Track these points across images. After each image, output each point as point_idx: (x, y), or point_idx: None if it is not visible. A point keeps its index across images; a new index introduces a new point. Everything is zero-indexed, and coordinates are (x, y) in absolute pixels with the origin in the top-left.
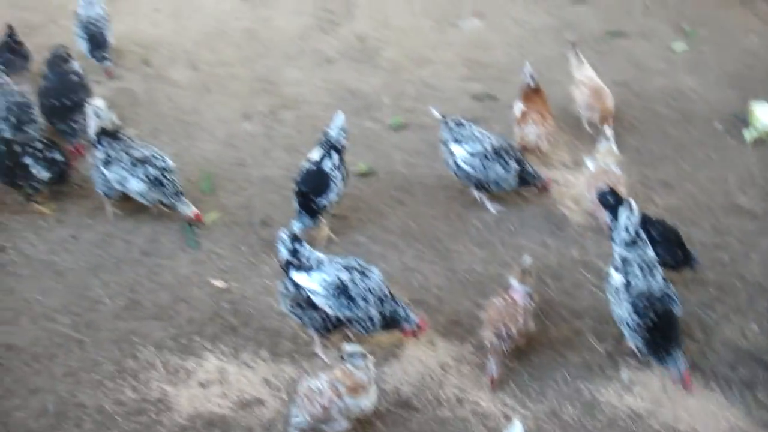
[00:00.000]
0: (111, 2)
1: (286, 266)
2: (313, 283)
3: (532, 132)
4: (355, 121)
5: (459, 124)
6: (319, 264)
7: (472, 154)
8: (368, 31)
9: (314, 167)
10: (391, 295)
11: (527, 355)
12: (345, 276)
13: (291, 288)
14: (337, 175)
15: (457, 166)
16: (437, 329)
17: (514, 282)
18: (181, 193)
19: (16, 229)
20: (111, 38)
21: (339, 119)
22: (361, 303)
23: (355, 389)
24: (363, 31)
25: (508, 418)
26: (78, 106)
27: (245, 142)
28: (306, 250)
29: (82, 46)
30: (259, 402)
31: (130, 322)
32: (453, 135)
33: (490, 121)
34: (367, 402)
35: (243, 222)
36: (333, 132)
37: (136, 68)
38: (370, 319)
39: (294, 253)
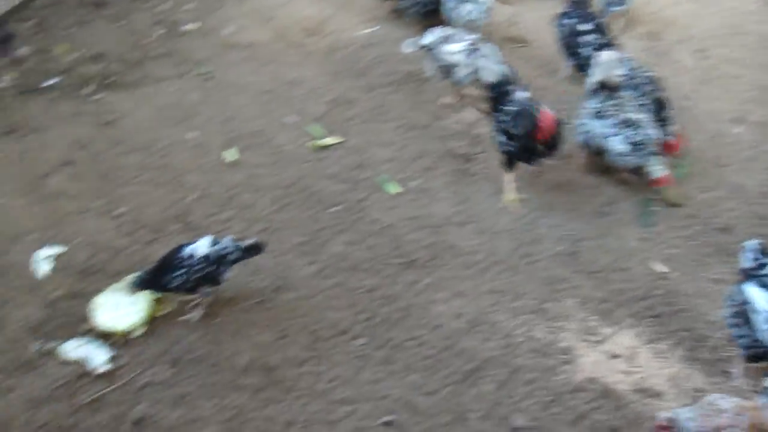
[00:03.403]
0: None
1: (744, 274)
2: (764, 302)
3: None
4: None
5: None
6: None
7: None
8: None
9: None
10: None
11: None
12: None
13: (738, 298)
14: None
15: None
16: None
17: None
18: (656, 154)
19: None
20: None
21: None
22: None
23: (757, 428)
24: None
25: None
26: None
27: (729, 145)
28: None
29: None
30: (659, 395)
31: (565, 270)
32: None
33: None
34: None
35: (702, 220)
36: None
37: (639, 38)
38: None
39: (761, 266)
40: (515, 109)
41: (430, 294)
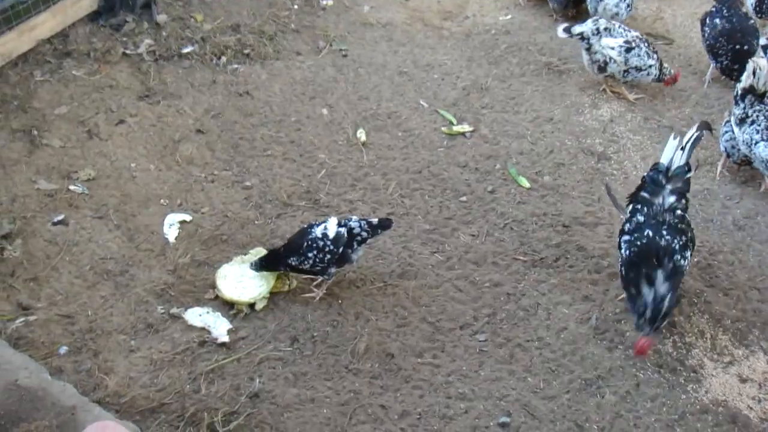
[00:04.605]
0: None
1: None
2: None
3: None
4: None
5: None
6: None
7: None
8: None
9: None
10: None
11: None
12: None
13: None
14: None
15: None
16: None
17: None
18: None
19: None
20: None
21: None
22: None
23: None
24: None
25: None
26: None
27: None
28: None
29: None
30: None
31: (698, 283)
32: None
33: None
34: None
35: None
36: None
37: None
38: None
39: None
40: None
41: (555, 295)
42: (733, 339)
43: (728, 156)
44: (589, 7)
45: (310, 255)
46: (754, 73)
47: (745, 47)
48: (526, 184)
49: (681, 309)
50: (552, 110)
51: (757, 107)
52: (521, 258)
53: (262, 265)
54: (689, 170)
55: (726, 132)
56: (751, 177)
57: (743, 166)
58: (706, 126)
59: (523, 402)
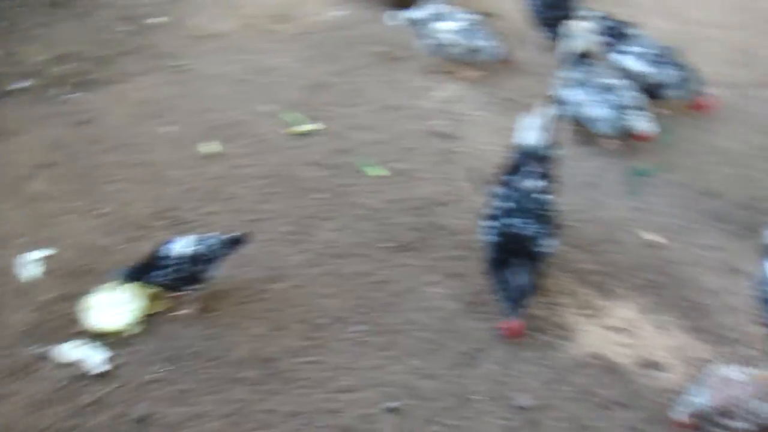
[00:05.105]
0: None
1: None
2: None
3: None
4: None
5: None
6: None
7: None
8: None
9: None
10: None
11: None
12: None
13: (761, 276)
14: None
15: None
16: None
17: None
18: (642, 110)
19: None
20: None
21: None
22: None
23: None
24: None
25: None
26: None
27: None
28: None
29: None
30: (662, 367)
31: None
32: None
33: None
34: None
35: (691, 186)
36: None
37: (611, 5)
38: None
39: None
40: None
41: (424, 276)
42: (597, 292)
43: (569, 119)
44: None
45: (162, 273)
46: (579, 36)
47: (569, 14)
48: (379, 172)
49: (546, 272)
50: (395, 98)
51: (587, 69)
52: (384, 245)
53: (128, 275)
54: (553, 150)
55: (561, 95)
56: (591, 138)
57: (579, 128)
58: (553, 99)
59: (407, 384)
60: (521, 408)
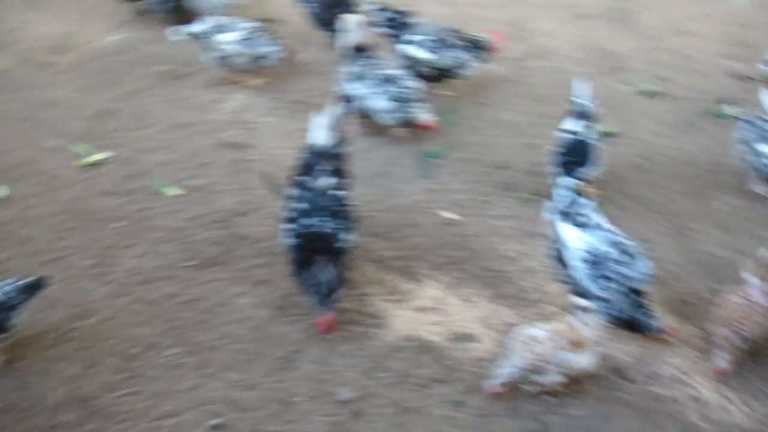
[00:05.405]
0: None
1: (559, 214)
2: (575, 240)
3: None
4: (603, 82)
5: (764, 121)
6: (593, 226)
7: None
8: None
9: (577, 138)
10: (644, 297)
11: (759, 353)
12: (609, 250)
13: (553, 236)
14: (599, 146)
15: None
16: (665, 305)
17: (751, 278)
18: (421, 101)
19: None
20: None
21: (583, 88)
22: (610, 284)
23: (576, 344)
24: None
25: (726, 411)
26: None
27: (492, 84)
28: (585, 207)
29: None
30: (472, 338)
31: (358, 237)
32: (760, 134)
33: (746, 104)
34: (584, 360)
35: (480, 160)
36: (585, 101)
37: None
38: (615, 306)
39: (572, 204)
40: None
41: (232, 288)
42: (402, 277)
43: (355, 112)
44: (191, 6)
45: None
46: (351, 30)
47: (347, 10)
48: (175, 192)
49: (351, 264)
50: (185, 115)
51: (365, 62)
52: (189, 264)
53: None
54: (343, 145)
55: (344, 90)
56: (379, 129)
57: (367, 120)
58: (343, 99)
59: (228, 399)
60: (344, 402)
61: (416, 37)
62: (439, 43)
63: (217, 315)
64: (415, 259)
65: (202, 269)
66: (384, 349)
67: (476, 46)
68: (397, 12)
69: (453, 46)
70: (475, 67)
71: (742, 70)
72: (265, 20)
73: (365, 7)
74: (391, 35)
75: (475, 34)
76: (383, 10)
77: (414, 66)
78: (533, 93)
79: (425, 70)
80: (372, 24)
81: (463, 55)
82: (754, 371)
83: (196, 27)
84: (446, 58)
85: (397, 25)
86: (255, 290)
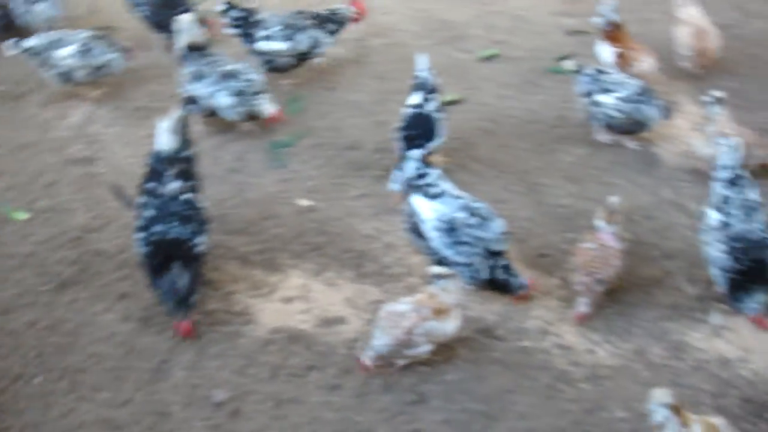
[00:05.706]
0: None
1: (409, 187)
2: (427, 211)
3: (646, 65)
4: (444, 52)
5: (601, 72)
6: (443, 195)
7: (624, 100)
8: None
9: (419, 111)
10: (502, 256)
11: (616, 293)
12: (461, 216)
13: (407, 210)
14: (441, 117)
15: (607, 115)
16: (524, 261)
17: (601, 224)
18: (264, 93)
19: None
20: None
21: (423, 61)
22: (467, 249)
23: (440, 312)
24: None
25: (592, 353)
26: None
27: (336, 67)
28: (433, 177)
29: None
30: (342, 321)
31: (216, 236)
32: (599, 85)
33: (584, 58)
34: (450, 326)
35: (330, 144)
36: (426, 74)
37: None
38: (476, 269)
39: (421, 176)
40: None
41: (93, 307)
42: (265, 270)
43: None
44: (20, 22)
45: None
46: (183, 30)
47: (184, 11)
48: (23, 216)
49: (209, 265)
50: (27, 135)
51: (204, 60)
52: (47, 288)
53: None
54: (189, 148)
55: (186, 90)
56: (226, 125)
57: (212, 118)
58: (187, 101)
59: (101, 419)
60: (220, 403)
61: (267, 32)
62: (290, 30)
63: (81, 336)
64: (276, 250)
65: (61, 291)
66: (255, 344)
67: (333, 21)
68: (243, 9)
69: (304, 28)
70: (330, 42)
71: (576, 26)
72: (103, 29)
73: (216, 7)
74: (242, 35)
75: (330, 7)
76: (229, 9)
77: (274, 59)
78: (377, 71)
79: (285, 60)
80: (223, 26)
81: (317, 34)
82: (614, 311)
83: (31, 42)
84: (301, 42)
85: (246, 23)
86: (117, 305)
